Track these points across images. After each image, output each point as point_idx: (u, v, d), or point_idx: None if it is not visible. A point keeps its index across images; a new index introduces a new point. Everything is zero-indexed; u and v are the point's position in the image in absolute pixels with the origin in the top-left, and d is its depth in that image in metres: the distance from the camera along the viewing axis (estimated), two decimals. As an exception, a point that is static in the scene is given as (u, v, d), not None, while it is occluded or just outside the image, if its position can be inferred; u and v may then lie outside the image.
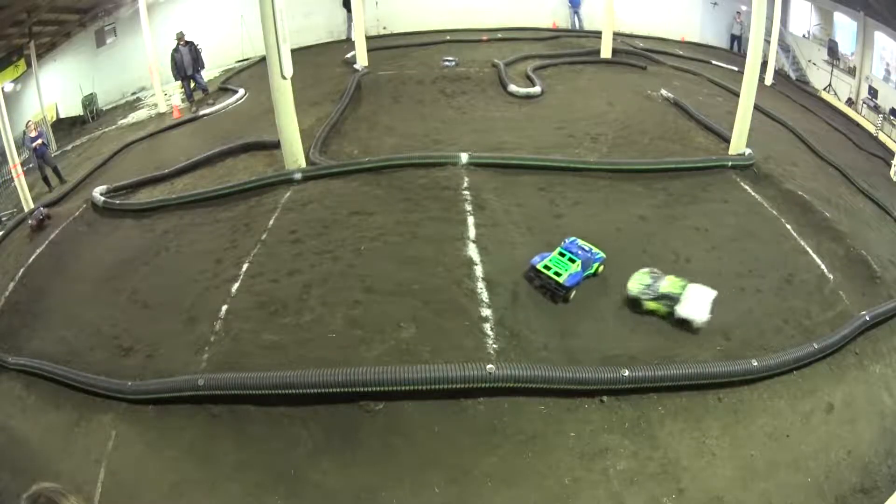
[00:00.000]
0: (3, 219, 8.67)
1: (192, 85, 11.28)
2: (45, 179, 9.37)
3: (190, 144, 8.69)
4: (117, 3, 12.48)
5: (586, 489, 3.18)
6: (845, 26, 11.98)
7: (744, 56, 7.57)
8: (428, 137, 7.38)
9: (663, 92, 8.98)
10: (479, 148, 6.69)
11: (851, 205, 6.47)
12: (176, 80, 11.11)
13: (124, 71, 13.03)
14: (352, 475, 3.23)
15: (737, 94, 6.94)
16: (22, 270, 6.05)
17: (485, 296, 4.25)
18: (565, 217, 5.38)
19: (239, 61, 13.93)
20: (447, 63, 10.39)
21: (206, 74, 11.74)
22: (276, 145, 6.76)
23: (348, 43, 12.55)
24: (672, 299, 4.12)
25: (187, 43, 10.85)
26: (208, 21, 13.03)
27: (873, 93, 11.28)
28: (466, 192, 5.64)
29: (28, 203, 8.39)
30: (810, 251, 5.13)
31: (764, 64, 10.44)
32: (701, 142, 7.26)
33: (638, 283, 4.24)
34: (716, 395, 3.75)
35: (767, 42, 11.17)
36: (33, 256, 6.28)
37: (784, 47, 13.41)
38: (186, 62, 10.90)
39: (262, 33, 5.89)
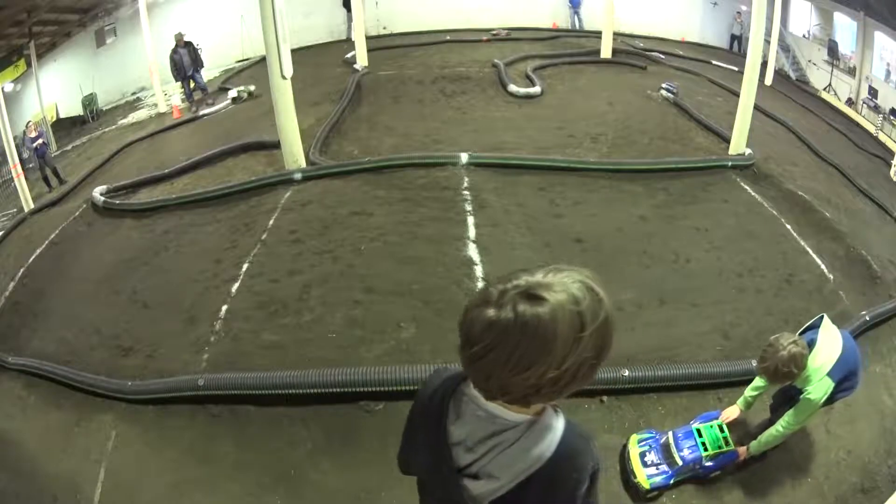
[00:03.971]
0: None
1: (192, 85, 11.28)
2: (46, 179, 9.37)
3: (190, 144, 8.69)
4: (117, 3, 12.48)
5: (586, 489, 3.17)
6: (845, 26, 11.98)
7: (744, 56, 7.57)
8: (428, 137, 7.38)
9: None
10: (479, 148, 6.68)
11: (851, 205, 6.47)
12: (176, 80, 11.12)
13: (124, 71, 13.03)
14: (352, 475, 3.23)
15: (737, 94, 6.94)
16: (22, 270, 6.05)
17: (485, 296, 4.24)
18: (565, 217, 5.38)
19: (239, 61, 13.94)
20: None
21: (206, 74, 11.75)
22: (276, 145, 6.76)
23: (348, 43, 12.55)
24: None
25: (187, 44, 10.85)
26: (208, 21, 13.05)
27: (873, 93, 11.28)
28: (466, 192, 5.64)
29: (28, 203, 8.39)
30: (810, 251, 5.13)
31: (764, 64, 10.44)
32: (701, 142, 7.26)
33: None
34: (716, 395, 3.75)
35: (767, 42, 11.18)
36: (33, 256, 6.28)
37: (784, 47, 13.41)
38: (186, 63, 10.90)
39: (262, 33, 5.89)
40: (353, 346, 3.86)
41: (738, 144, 6.70)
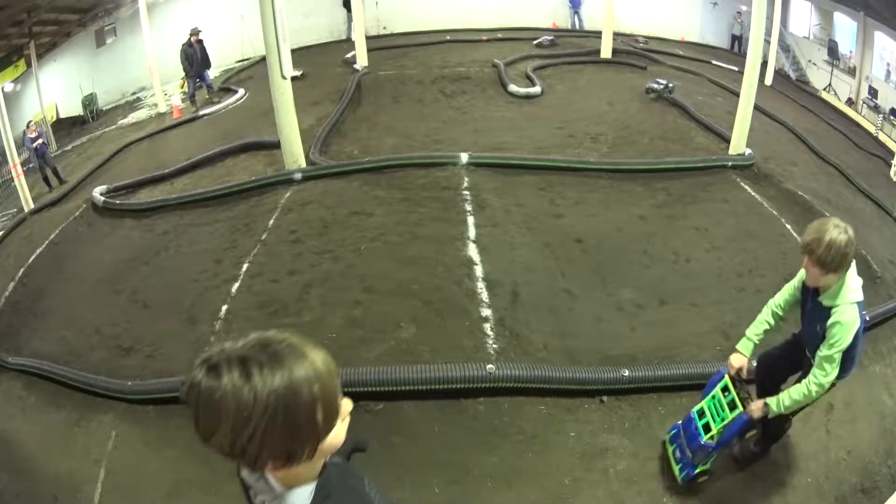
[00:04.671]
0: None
1: (196, 83, 11.25)
2: (46, 179, 9.38)
3: (190, 144, 8.69)
4: (117, 3, 12.49)
5: (586, 489, 3.18)
6: (845, 26, 11.99)
7: (744, 56, 7.57)
8: (428, 137, 7.39)
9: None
10: (479, 148, 6.69)
11: (851, 205, 6.47)
12: (188, 75, 11.02)
13: (124, 71, 13.05)
14: (352, 475, 3.23)
15: (737, 94, 6.95)
16: (22, 270, 6.05)
17: (485, 296, 4.24)
18: (565, 217, 5.38)
19: (239, 61, 13.95)
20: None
21: (209, 74, 11.75)
22: (276, 145, 6.76)
23: (348, 43, 12.56)
24: None
25: (199, 41, 10.81)
26: (208, 21, 13.05)
27: (873, 93, 11.28)
28: (466, 192, 5.64)
29: (28, 203, 8.39)
30: (810, 251, 5.12)
31: (764, 64, 10.45)
32: (701, 142, 7.26)
33: None
34: (716, 395, 3.75)
35: (767, 42, 11.19)
36: (33, 256, 6.28)
37: (784, 47, 13.41)
38: (199, 59, 10.85)
39: (262, 33, 5.89)
40: (353, 346, 3.86)
41: (738, 144, 6.70)
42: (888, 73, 10.98)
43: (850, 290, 2.45)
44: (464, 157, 6.14)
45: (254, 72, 12.51)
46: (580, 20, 14.89)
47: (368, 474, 3.44)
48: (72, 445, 3.73)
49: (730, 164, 6.40)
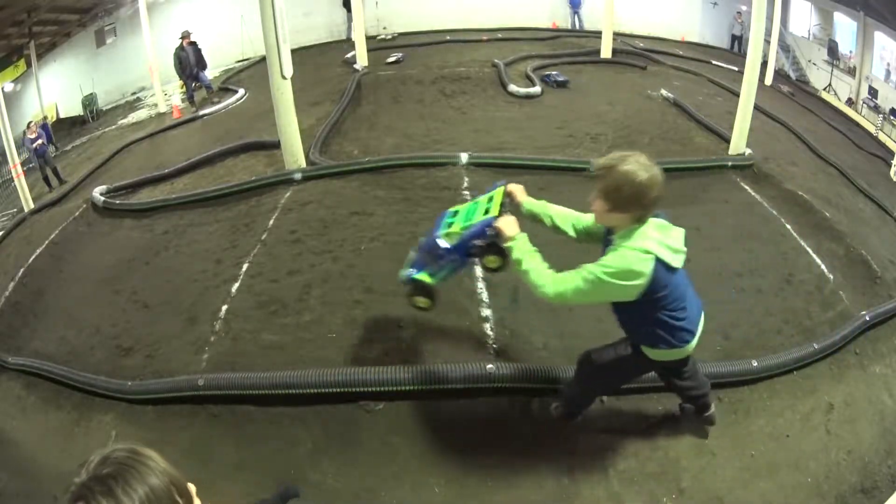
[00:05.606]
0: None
1: (194, 85, 11.27)
2: (46, 179, 9.39)
3: (190, 144, 8.69)
4: (117, 3, 12.50)
5: (586, 489, 3.18)
6: (845, 26, 12.00)
7: (744, 56, 7.57)
8: (428, 137, 7.38)
9: (663, 92, 8.99)
10: (479, 148, 6.69)
11: (851, 205, 6.47)
12: (180, 78, 11.07)
13: (124, 71, 13.07)
14: (352, 475, 3.23)
15: (737, 94, 6.94)
16: (22, 270, 6.06)
17: (485, 296, 4.24)
18: (565, 217, 5.37)
19: (239, 61, 13.96)
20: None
21: (207, 74, 11.76)
22: (276, 145, 6.76)
23: (348, 43, 12.57)
24: None
25: (192, 43, 10.83)
26: (208, 21, 13.07)
27: (873, 93, 11.29)
28: (466, 192, 5.64)
29: (28, 203, 8.39)
30: (810, 251, 5.13)
31: (764, 64, 10.45)
32: (701, 142, 7.26)
33: None
34: (716, 394, 3.74)
35: (767, 42, 11.19)
36: (33, 256, 6.28)
37: (784, 47, 13.42)
38: (192, 61, 10.89)
39: (262, 33, 5.89)
40: (353, 346, 3.86)
41: (738, 144, 6.70)
42: (888, 73, 10.99)
43: (648, 237, 2.09)
44: (464, 157, 6.14)
45: (254, 72, 12.52)
46: (580, 20, 14.89)
47: (369, 474, 3.44)
48: (72, 445, 3.73)
49: (730, 164, 6.40)
